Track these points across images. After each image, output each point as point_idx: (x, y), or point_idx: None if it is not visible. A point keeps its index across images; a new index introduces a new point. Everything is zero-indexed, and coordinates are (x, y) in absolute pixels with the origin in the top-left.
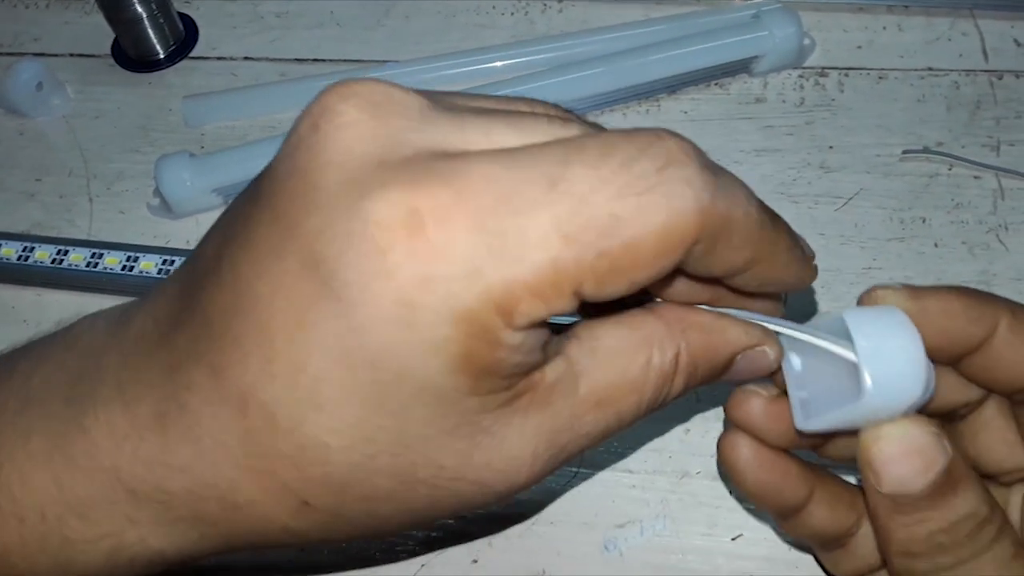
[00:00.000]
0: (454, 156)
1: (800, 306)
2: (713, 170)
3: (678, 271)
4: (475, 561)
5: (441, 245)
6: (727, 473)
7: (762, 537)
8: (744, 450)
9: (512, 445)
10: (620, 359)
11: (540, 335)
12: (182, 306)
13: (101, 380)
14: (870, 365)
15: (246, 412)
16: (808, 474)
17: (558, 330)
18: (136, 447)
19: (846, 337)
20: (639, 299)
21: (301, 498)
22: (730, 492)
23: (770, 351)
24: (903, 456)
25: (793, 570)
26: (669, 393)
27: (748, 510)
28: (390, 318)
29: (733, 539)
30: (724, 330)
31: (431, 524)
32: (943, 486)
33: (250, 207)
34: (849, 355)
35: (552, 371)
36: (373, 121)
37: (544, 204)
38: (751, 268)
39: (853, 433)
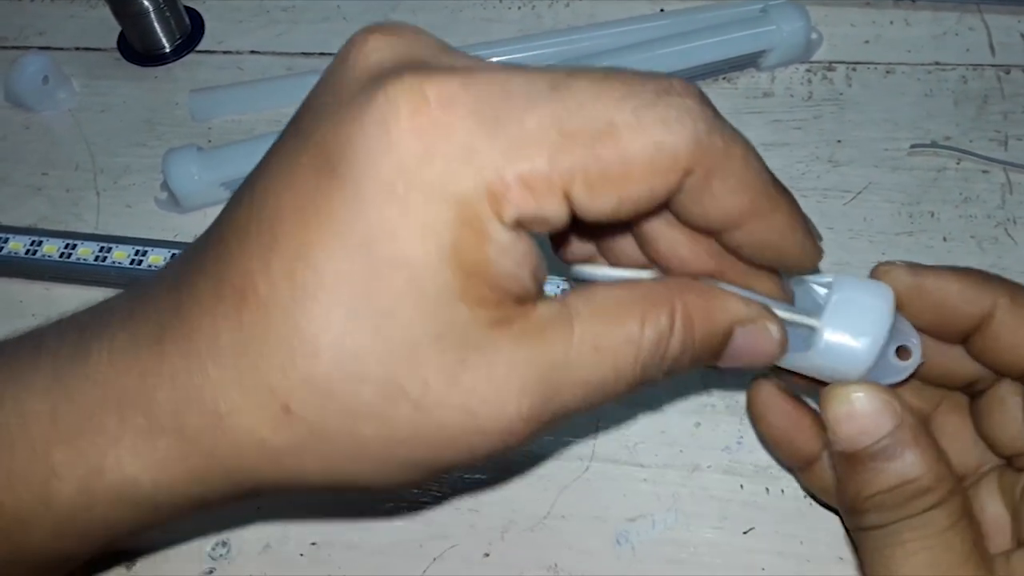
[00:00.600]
0: (468, 65)
1: None
2: (716, 114)
3: (680, 225)
4: (487, 555)
5: (443, 125)
6: (751, 416)
7: (773, 531)
8: (764, 394)
9: (501, 372)
10: (617, 309)
11: (529, 251)
12: (203, 240)
13: (111, 316)
14: (830, 324)
15: (242, 308)
16: (822, 429)
17: None
18: (132, 362)
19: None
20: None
21: (283, 401)
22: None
23: (772, 328)
24: (850, 416)
25: (804, 564)
26: (666, 354)
27: (759, 504)
28: (387, 193)
29: (744, 533)
30: (723, 298)
31: (413, 474)
32: (888, 448)
33: (279, 138)
34: (814, 322)
35: (546, 307)
36: (396, 45)
37: (546, 102)
38: (749, 222)
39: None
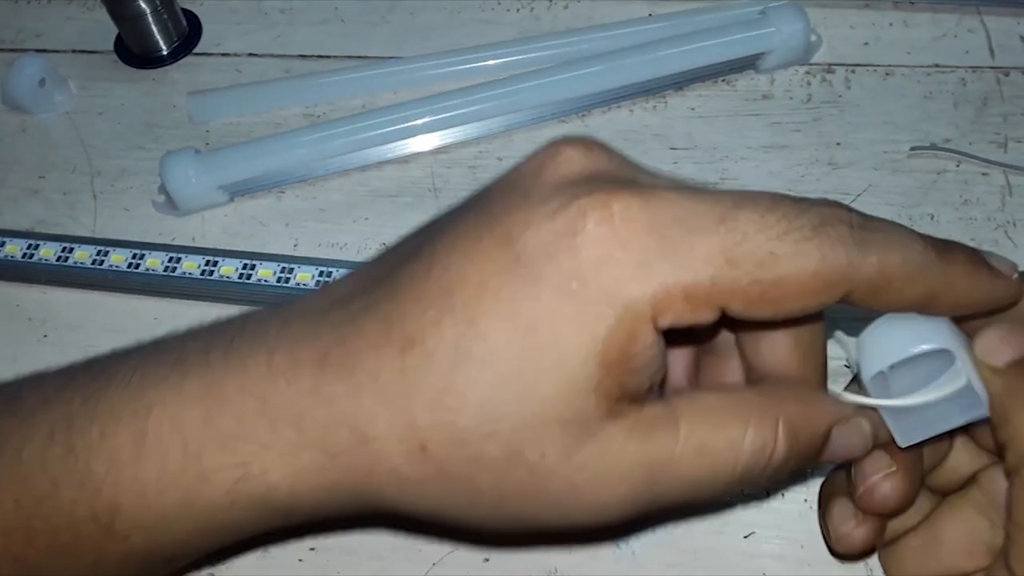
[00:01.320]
0: (648, 184)
1: None
2: (868, 227)
3: None
4: (487, 560)
5: (623, 237)
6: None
7: (774, 535)
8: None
9: (610, 460)
10: (721, 415)
11: (663, 353)
12: (358, 285)
13: (264, 335)
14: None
15: (407, 353)
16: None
17: None
18: (290, 381)
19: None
20: None
21: (422, 441)
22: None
23: (865, 424)
24: None
25: (806, 568)
26: (769, 462)
27: (760, 508)
28: (563, 287)
29: (745, 537)
30: (819, 402)
31: (512, 525)
32: None
33: (460, 210)
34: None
35: (652, 408)
36: (588, 159)
37: (714, 231)
38: (934, 301)
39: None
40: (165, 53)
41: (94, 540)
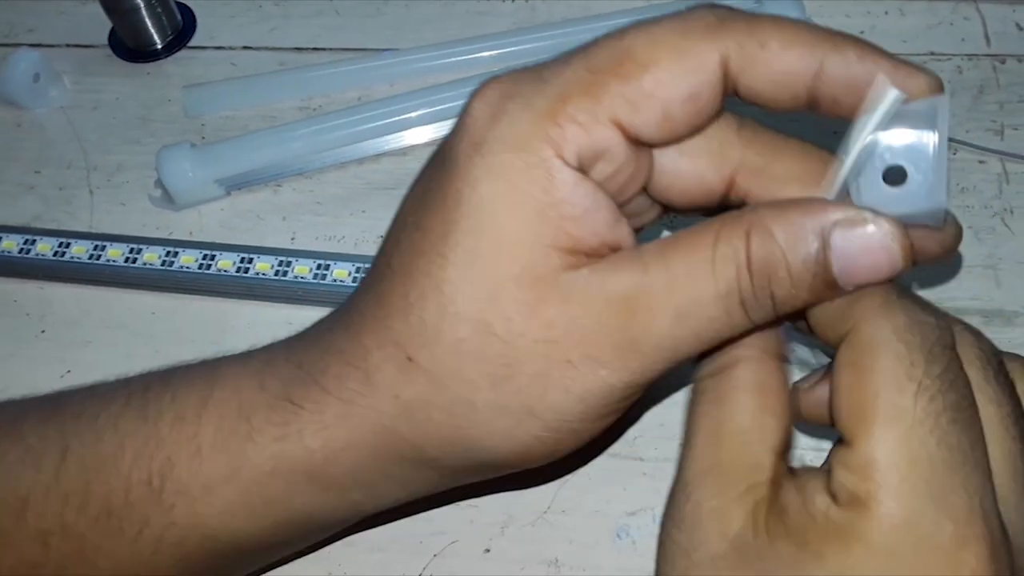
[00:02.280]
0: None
1: None
2: (733, 11)
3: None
4: (487, 551)
5: (506, 96)
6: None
7: None
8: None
9: (576, 304)
10: (688, 236)
11: (600, 200)
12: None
13: (311, 326)
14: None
15: (381, 280)
16: None
17: None
18: (321, 346)
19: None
20: None
21: (406, 352)
22: None
23: (882, 224)
24: None
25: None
26: (752, 272)
27: None
28: (469, 156)
29: None
30: (803, 202)
31: (528, 426)
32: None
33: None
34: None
35: (616, 256)
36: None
37: (576, 58)
38: (823, 77)
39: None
40: (159, 47)
41: (141, 507)
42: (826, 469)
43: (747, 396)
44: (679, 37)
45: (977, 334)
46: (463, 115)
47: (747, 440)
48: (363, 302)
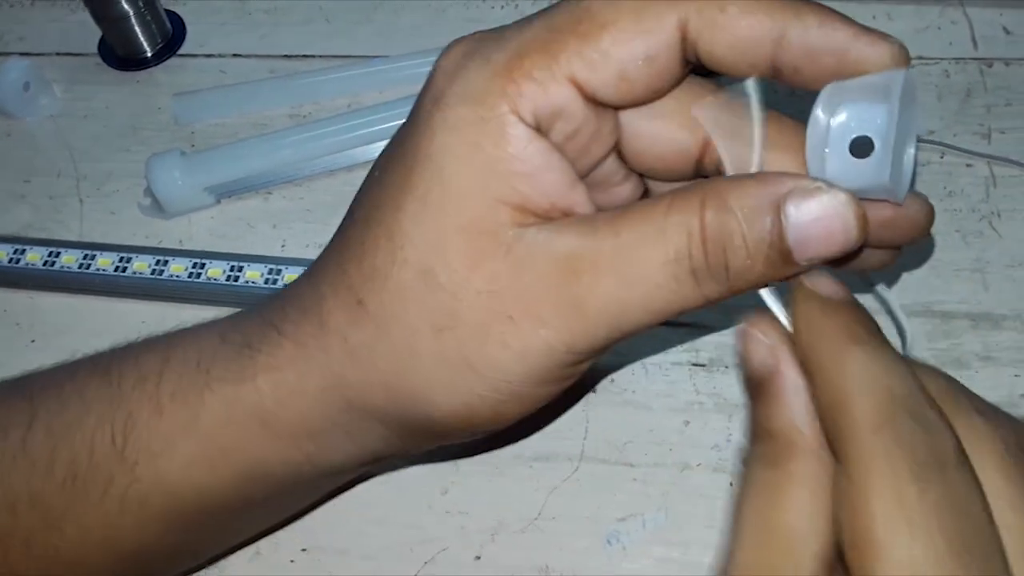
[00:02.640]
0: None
1: None
2: None
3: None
4: (478, 558)
5: (467, 54)
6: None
7: None
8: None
9: (521, 260)
10: (642, 206)
11: (555, 162)
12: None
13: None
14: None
15: (344, 230)
16: None
17: None
18: (283, 298)
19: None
20: None
21: (357, 296)
22: None
23: (836, 193)
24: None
25: None
26: (707, 231)
27: None
28: (428, 110)
29: None
30: (757, 176)
31: (471, 382)
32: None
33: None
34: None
35: (571, 218)
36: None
37: (538, 18)
38: (783, 44)
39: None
40: (149, 55)
41: (105, 466)
42: None
43: (801, 492)
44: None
45: (997, 420)
46: (430, 73)
47: (797, 544)
48: (326, 253)
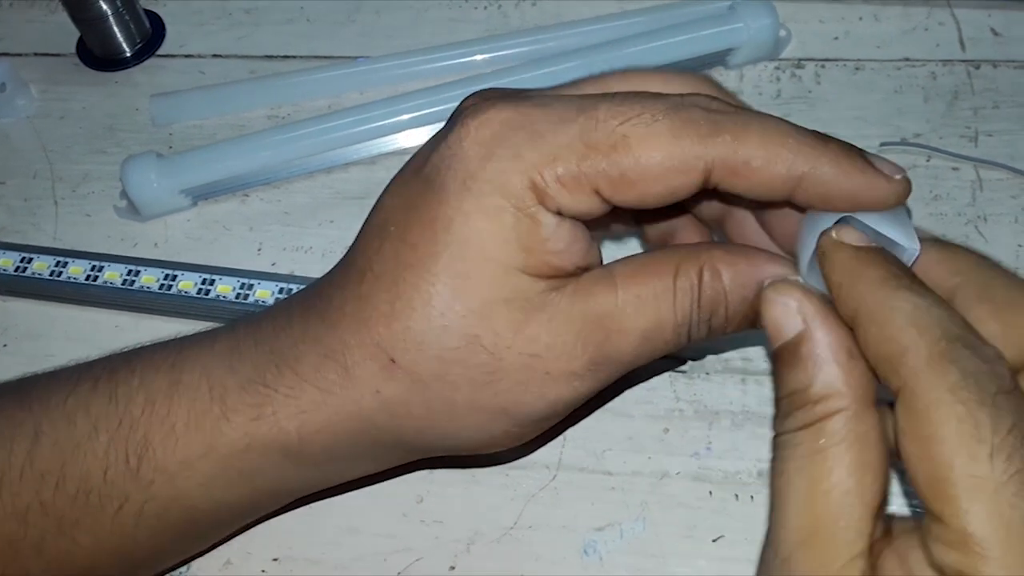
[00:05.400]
0: (525, 94)
1: None
2: (726, 111)
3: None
4: (452, 568)
5: (499, 136)
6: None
7: (743, 538)
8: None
9: (559, 323)
10: (653, 265)
11: (577, 235)
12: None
13: (275, 306)
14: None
15: (361, 282)
16: None
17: None
18: (289, 331)
19: None
20: None
21: (389, 354)
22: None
23: (796, 292)
24: (765, 311)
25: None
26: (701, 303)
27: (728, 513)
28: (461, 188)
29: (714, 540)
30: (751, 253)
31: (501, 422)
32: (786, 352)
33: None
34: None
35: (591, 275)
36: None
37: (574, 120)
38: (801, 187)
39: None
40: (128, 55)
41: (120, 484)
42: (921, 534)
43: (846, 451)
44: (672, 137)
45: None
46: (453, 139)
47: (847, 502)
48: (341, 299)
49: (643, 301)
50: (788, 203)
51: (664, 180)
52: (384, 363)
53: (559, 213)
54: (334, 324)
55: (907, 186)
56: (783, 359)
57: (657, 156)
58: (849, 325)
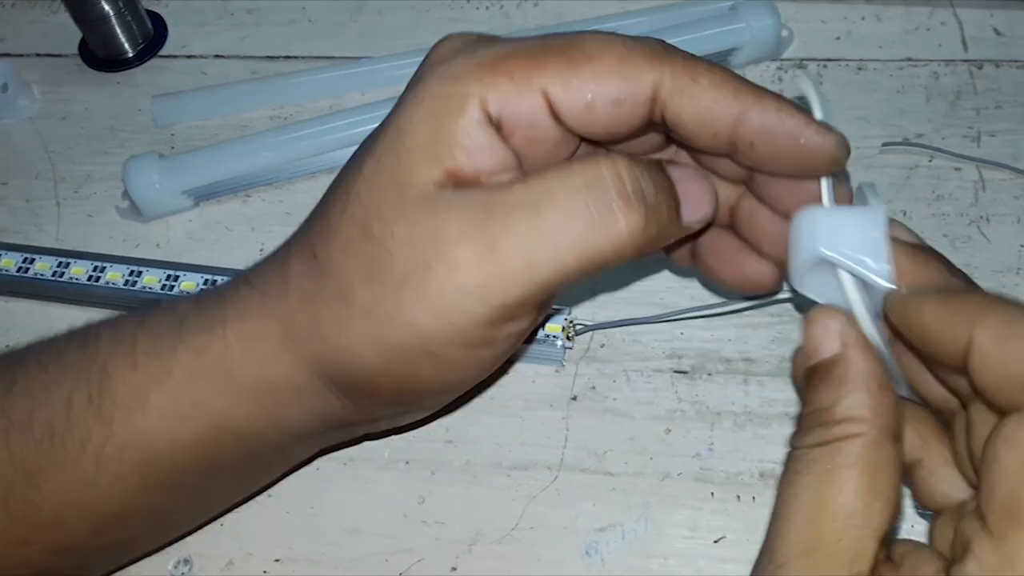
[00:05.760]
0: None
1: None
2: (679, 50)
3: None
4: (454, 569)
5: (461, 47)
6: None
7: (745, 539)
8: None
9: (443, 216)
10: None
11: (500, 151)
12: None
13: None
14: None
15: (325, 200)
16: None
17: None
18: (261, 268)
19: None
20: None
21: (313, 251)
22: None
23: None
24: (806, 331)
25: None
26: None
27: (730, 513)
28: (412, 87)
29: (716, 541)
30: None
31: (396, 322)
32: (819, 372)
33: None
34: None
35: (498, 181)
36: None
37: (535, 36)
38: (741, 124)
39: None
40: (130, 56)
41: (82, 423)
42: (935, 555)
43: (858, 475)
44: (625, 48)
45: None
46: (421, 62)
47: (853, 524)
48: (308, 220)
49: (532, 183)
50: (729, 156)
51: (614, 82)
52: (308, 258)
53: (497, 124)
54: (289, 239)
55: (844, 139)
56: (815, 376)
57: (610, 58)
58: (948, 360)
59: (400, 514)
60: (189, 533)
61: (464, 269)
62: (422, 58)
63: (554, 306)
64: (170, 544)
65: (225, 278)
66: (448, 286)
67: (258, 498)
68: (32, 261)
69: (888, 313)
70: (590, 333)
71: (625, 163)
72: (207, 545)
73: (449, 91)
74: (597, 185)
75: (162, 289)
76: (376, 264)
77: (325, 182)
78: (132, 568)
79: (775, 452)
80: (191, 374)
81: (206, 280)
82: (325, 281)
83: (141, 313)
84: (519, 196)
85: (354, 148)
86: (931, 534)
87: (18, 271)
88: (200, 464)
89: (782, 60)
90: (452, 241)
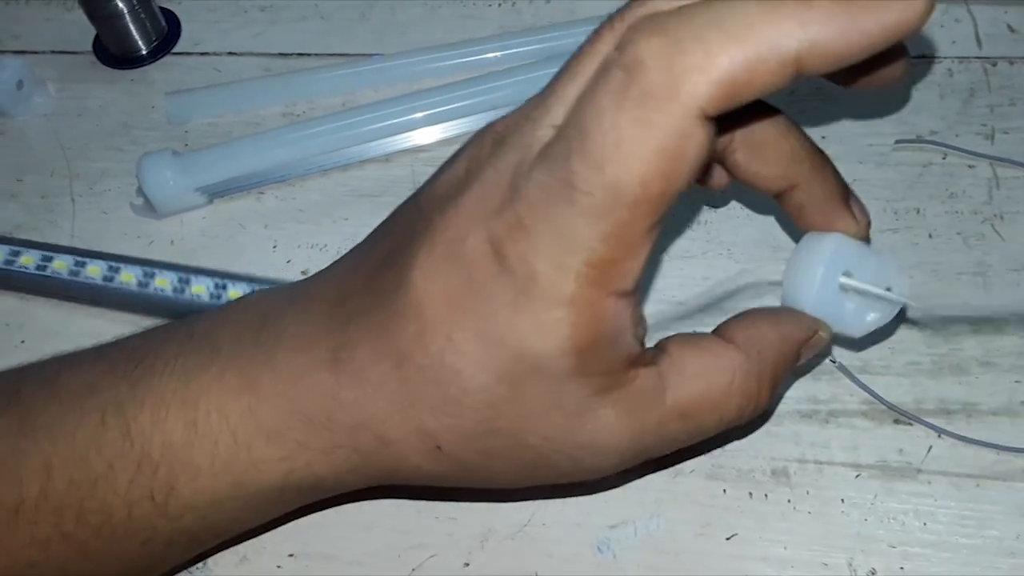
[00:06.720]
0: None
1: None
2: None
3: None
4: (467, 565)
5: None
6: None
7: (757, 536)
8: None
9: (604, 435)
10: (703, 381)
11: (634, 314)
12: (352, 283)
13: (284, 330)
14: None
15: (402, 367)
16: None
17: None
18: (313, 383)
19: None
20: None
21: (435, 443)
22: None
23: (823, 334)
24: None
25: (789, 569)
26: (757, 406)
27: (742, 510)
28: (513, 304)
29: (728, 538)
30: (789, 335)
31: (530, 484)
32: None
33: (414, 214)
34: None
35: (644, 378)
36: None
37: None
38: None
39: None
40: (144, 53)
41: (147, 520)
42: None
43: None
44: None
45: None
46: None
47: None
48: (375, 358)
49: (688, 419)
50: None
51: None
52: (429, 447)
53: (632, 292)
54: (372, 397)
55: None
56: None
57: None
58: None
59: (413, 510)
60: None
61: (621, 464)
62: (434, 54)
63: None
64: None
65: (230, 281)
66: (608, 468)
67: None
68: (50, 259)
69: None
70: None
71: (768, 390)
72: None
73: (576, 315)
74: (740, 416)
75: (174, 292)
76: (532, 463)
77: (338, 179)
78: None
79: (787, 449)
80: (273, 490)
81: (216, 284)
82: (458, 469)
83: (181, 402)
84: (672, 426)
85: (368, 145)
86: None
87: (36, 269)
88: (267, 524)
89: None
90: (613, 454)
